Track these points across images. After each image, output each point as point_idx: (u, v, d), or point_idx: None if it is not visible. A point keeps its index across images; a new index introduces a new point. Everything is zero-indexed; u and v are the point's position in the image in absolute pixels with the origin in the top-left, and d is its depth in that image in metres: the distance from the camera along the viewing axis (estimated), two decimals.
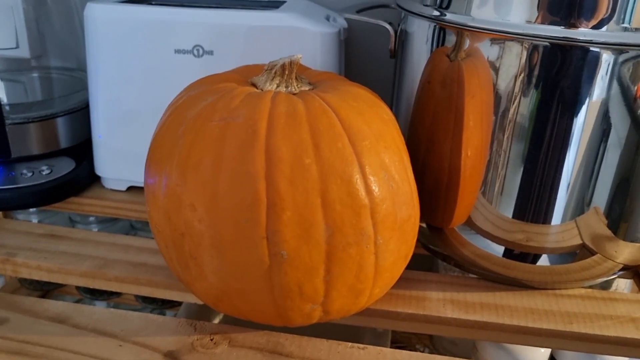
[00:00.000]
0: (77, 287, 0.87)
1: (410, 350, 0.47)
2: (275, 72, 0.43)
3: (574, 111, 0.44)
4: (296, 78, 0.44)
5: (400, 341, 0.78)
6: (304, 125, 0.38)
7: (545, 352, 0.61)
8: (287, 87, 0.43)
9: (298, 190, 0.37)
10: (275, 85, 0.43)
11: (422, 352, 0.48)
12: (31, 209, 0.83)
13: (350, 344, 0.45)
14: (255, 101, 0.40)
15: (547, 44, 0.43)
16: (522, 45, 0.43)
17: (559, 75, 0.43)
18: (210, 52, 0.59)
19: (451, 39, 0.48)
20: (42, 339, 0.45)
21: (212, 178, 0.38)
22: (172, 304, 0.85)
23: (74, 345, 0.44)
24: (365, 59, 0.74)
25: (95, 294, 0.86)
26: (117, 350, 0.44)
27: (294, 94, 0.42)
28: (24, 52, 0.74)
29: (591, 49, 0.42)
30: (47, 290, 0.88)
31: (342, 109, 0.40)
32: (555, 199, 0.47)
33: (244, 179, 0.37)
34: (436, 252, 0.56)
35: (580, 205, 0.48)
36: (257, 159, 0.37)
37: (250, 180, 0.37)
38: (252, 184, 0.37)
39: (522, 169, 0.47)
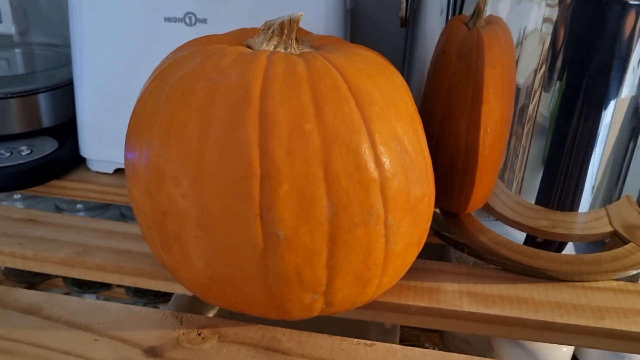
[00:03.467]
0: (65, 280, 0.83)
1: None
2: (273, 32, 0.38)
3: (608, 79, 0.39)
4: (297, 40, 0.39)
5: (407, 339, 0.73)
6: (305, 87, 0.33)
7: (568, 351, 0.56)
8: (286, 48, 0.38)
9: (297, 160, 0.32)
10: (272, 47, 0.38)
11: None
12: (16, 196, 0.78)
13: (356, 340, 0.40)
14: (249, 60, 0.35)
15: None
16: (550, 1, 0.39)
17: (592, 36, 0.39)
18: (204, 21, 0.54)
19: (470, 5, 0.43)
20: (9, 332, 0.40)
21: (197, 147, 0.33)
22: (166, 298, 0.81)
23: (44, 339, 0.39)
24: (373, 31, 0.70)
25: (83, 287, 0.81)
26: (91, 346, 0.39)
27: (294, 55, 0.37)
28: (8, 27, 0.69)
29: (630, 2, 0.37)
30: (33, 282, 0.83)
31: (349, 70, 0.35)
32: (584, 183, 0.43)
33: (235, 148, 0.32)
34: (449, 239, 0.51)
35: (611, 191, 0.43)
36: (249, 125, 0.32)
37: (241, 149, 0.32)
38: (243, 153, 0.32)
39: (548, 149, 0.43)
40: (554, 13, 0.39)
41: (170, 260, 0.37)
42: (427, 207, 0.38)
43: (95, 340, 0.39)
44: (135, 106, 0.39)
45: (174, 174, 0.34)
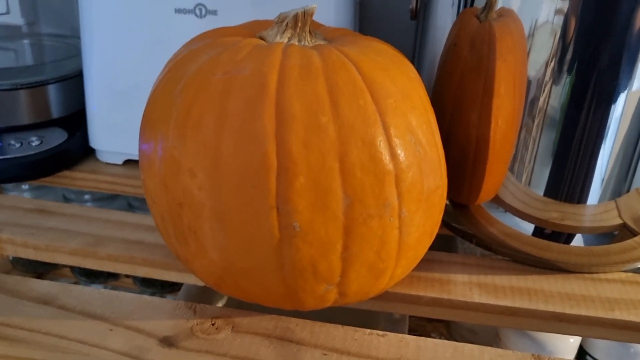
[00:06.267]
0: (72, 269, 0.83)
1: None
2: (286, 25, 0.38)
3: (619, 72, 0.39)
4: (310, 32, 0.39)
5: (414, 329, 0.73)
6: (320, 80, 0.33)
7: (575, 341, 0.57)
8: (300, 41, 0.38)
9: (313, 152, 0.32)
10: (286, 39, 0.38)
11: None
12: (24, 186, 0.78)
13: (368, 330, 0.40)
14: (265, 53, 0.35)
15: None
16: None
17: (603, 29, 0.38)
18: (214, 12, 0.54)
19: None
20: (25, 321, 0.40)
21: (214, 139, 0.33)
22: (173, 288, 0.81)
23: (60, 328, 0.40)
24: (382, 23, 0.69)
25: (91, 277, 0.81)
26: (107, 335, 0.39)
27: (309, 48, 0.37)
28: (15, 18, 0.69)
29: None
30: (40, 272, 0.84)
31: (364, 63, 0.35)
32: (593, 175, 0.43)
33: (251, 140, 0.32)
34: (458, 230, 0.51)
35: (620, 184, 0.43)
36: (266, 117, 0.32)
37: (258, 141, 0.32)
38: (260, 145, 0.32)
39: (558, 141, 0.42)
40: (565, 6, 0.39)
41: (184, 251, 0.38)
42: (439, 199, 0.38)
43: (111, 329, 0.39)
44: (149, 98, 0.39)
45: (190, 166, 0.34)
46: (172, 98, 0.36)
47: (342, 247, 0.34)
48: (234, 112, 0.33)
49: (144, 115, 0.39)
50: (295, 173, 0.32)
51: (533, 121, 0.43)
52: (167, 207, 0.36)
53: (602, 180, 0.43)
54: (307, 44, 0.38)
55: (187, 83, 0.35)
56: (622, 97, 0.40)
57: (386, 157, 0.33)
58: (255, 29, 0.41)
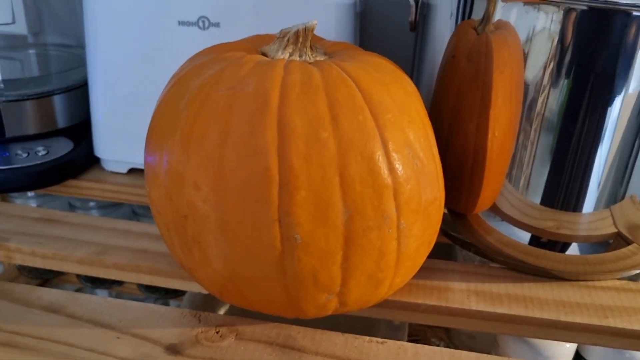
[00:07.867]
0: (78, 276, 0.84)
1: (425, 344, 0.43)
2: (288, 40, 0.39)
3: (612, 85, 0.40)
4: (311, 47, 0.40)
5: (414, 334, 0.74)
6: (321, 96, 0.34)
7: (571, 347, 0.58)
8: (301, 56, 0.39)
9: (314, 167, 0.33)
10: (288, 54, 0.39)
11: (438, 345, 0.44)
12: (30, 194, 0.79)
13: (368, 337, 0.41)
14: (267, 69, 0.36)
15: (585, 7, 0.39)
16: (557, 11, 0.39)
17: (597, 45, 0.39)
18: (217, 24, 0.55)
19: (479, 10, 0.44)
20: (33, 329, 0.41)
21: (217, 153, 0.34)
22: (176, 294, 0.82)
23: (68, 336, 0.41)
24: (382, 35, 0.70)
25: (96, 283, 0.82)
26: (114, 343, 0.40)
27: (309, 64, 0.38)
28: (21, 28, 0.70)
29: (634, 13, 0.38)
30: (46, 278, 0.85)
31: (363, 79, 0.36)
32: (589, 182, 0.44)
33: (254, 154, 0.33)
34: (457, 239, 0.52)
35: (615, 191, 0.44)
36: (268, 132, 0.33)
37: (260, 156, 0.33)
38: (262, 159, 0.33)
39: (553, 152, 0.43)
40: (561, 20, 0.40)
41: (188, 260, 0.39)
42: (437, 210, 0.39)
43: (118, 337, 0.41)
44: (154, 112, 0.40)
45: (194, 179, 0.35)
46: (177, 112, 0.37)
47: (343, 257, 0.35)
48: (237, 127, 0.34)
49: (149, 128, 0.40)
50: (297, 187, 0.33)
51: (530, 129, 0.44)
52: (172, 219, 0.37)
53: (598, 186, 0.44)
54: (308, 59, 0.39)
55: (191, 98, 0.36)
56: (617, 104, 0.41)
57: (385, 171, 0.34)
58: (257, 44, 0.42)
